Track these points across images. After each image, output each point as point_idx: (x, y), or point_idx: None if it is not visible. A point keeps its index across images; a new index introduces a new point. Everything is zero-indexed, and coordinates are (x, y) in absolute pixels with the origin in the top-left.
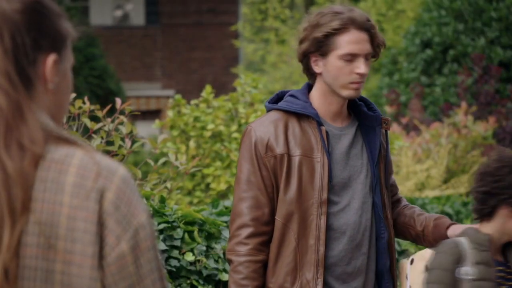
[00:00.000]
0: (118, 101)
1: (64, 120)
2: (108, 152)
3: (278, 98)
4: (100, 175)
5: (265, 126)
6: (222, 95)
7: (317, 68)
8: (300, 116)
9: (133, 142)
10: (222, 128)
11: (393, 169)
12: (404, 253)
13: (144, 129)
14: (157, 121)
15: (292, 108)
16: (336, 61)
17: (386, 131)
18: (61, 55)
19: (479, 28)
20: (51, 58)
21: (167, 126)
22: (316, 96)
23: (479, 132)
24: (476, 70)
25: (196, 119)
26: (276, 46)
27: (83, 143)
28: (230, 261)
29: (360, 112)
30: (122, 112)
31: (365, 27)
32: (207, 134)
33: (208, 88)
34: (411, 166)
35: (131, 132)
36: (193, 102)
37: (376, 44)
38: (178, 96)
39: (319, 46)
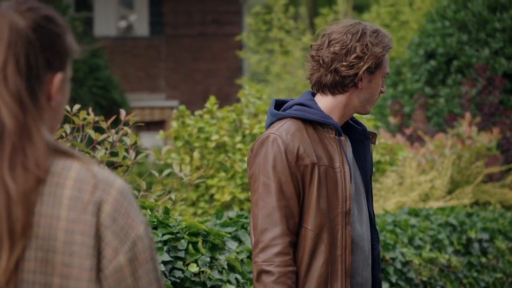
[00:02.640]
0: (122, 112)
1: (69, 131)
2: (112, 163)
3: (278, 106)
4: (97, 187)
5: (292, 134)
6: (226, 106)
7: (361, 84)
8: (315, 125)
9: (137, 153)
10: (226, 139)
11: (397, 180)
12: (408, 264)
13: (148, 140)
14: (161, 132)
15: (312, 117)
16: (379, 79)
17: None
18: (65, 73)
19: (483, 39)
20: (58, 78)
21: (171, 137)
22: (332, 108)
23: (483, 143)
24: (480, 81)
25: (200, 130)
26: (280, 57)
27: (80, 155)
28: (268, 272)
29: (347, 126)
30: (126, 123)
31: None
32: (211, 145)
33: (212, 99)
34: (415, 177)
35: (135, 143)
36: (197, 113)
37: None
38: (182, 107)
39: (377, 63)
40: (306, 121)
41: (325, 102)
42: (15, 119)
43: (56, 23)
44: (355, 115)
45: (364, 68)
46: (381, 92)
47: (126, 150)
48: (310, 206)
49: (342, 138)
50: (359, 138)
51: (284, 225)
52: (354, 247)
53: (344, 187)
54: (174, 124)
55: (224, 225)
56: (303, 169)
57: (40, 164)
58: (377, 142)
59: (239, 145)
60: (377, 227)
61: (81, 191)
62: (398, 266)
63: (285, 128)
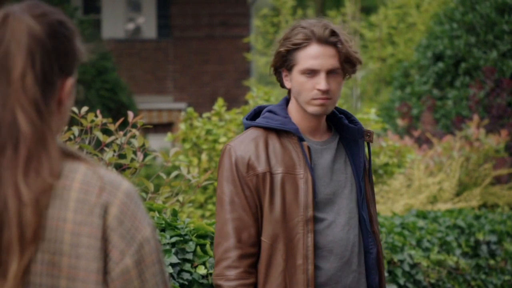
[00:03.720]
0: (130, 114)
1: (77, 133)
2: (120, 165)
3: (256, 114)
4: (104, 190)
5: (245, 145)
6: (234, 108)
7: (287, 83)
8: (279, 132)
9: (145, 155)
10: None
11: (405, 182)
12: (416, 266)
13: (156, 142)
14: (169, 134)
15: (272, 124)
16: (298, 76)
17: (369, 144)
18: (75, 77)
19: (491, 41)
20: (69, 83)
21: (179, 139)
22: (294, 111)
23: (491, 145)
24: (488, 83)
25: (208, 132)
26: None
27: (87, 158)
28: (219, 286)
29: (341, 125)
30: (134, 125)
31: (329, 41)
32: (219, 147)
33: (220, 101)
34: (423, 179)
35: (143, 145)
36: (205, 115)
37: (344, 60)
38: (190, 109)
39: (283, 61)
40: (269, 129)
41: (290, 106)
42: (33, 125)
43: (67, 27)
44: (361, 115)
45: (272, 66)
46: (318, 90)
47: (134, 152)
48: (264, 216)
49: (305, 143)
50: (353, 138)
51: (234, 237)
52: (325, 254)
53: (306, 193)
54: (182, 126)
55: None
56: (255, 179)
57: (53, 172)
58: (384, 144)
59: None
60: (376, 230)
61: (88, 193)
62: (406, 268)
63: (242, 138)
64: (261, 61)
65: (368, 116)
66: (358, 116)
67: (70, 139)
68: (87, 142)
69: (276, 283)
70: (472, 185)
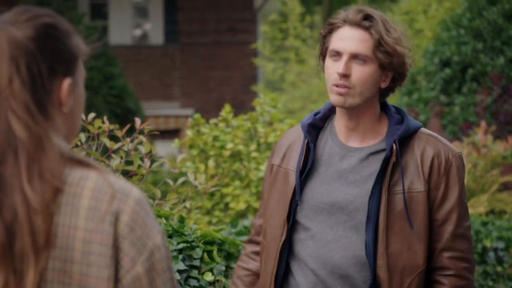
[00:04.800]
0: (137, 120)
1: (84, 139)
2: (127, 172)
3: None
4: (115, 197)
5: (282, 138)
6: (241, 114)
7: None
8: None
9: (152, 161)
10: (241, 147)
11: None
12: None
13: (163, 148)
14: (176, 141)
15: (303, 121)
16: (327, 60)
17: (395, 162)
18: (74, 76)
19: (498, 47)
20: (66, 83)
21: (186, 146)
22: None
23: (498, 152)
24: (495, 89)
25: (215, 138)
26: (295, 65)
27: (97, 165)
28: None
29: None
30: (141, 132)
31: (361, 24)
32: (226, 153)
33: (227, 107)
34: None
35: (150, 151)
36: (212, 121)
37: (376, 47)
38: (197, 115)
39: (323, 45)
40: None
41: None
42: (28, 130)
43: (57, 28)
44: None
45: (319, 56)
46: (337, 74)
47: (141, 159)
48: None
49: (307, 140)
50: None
51: (254, 226)
52: (303, 267)
53: (287, 194)
54: (189, 133)
55: (239, 233)
56: (269, 170)
57: (55, 174)
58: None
59: (254, 154)
60: (372, 261)
61: (99, 201)
62: None
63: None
64: (268, 67)
65: None
66: None
67: (77, 146)
68: (94, 148)
69: (261, 282)
70: (479, 192)
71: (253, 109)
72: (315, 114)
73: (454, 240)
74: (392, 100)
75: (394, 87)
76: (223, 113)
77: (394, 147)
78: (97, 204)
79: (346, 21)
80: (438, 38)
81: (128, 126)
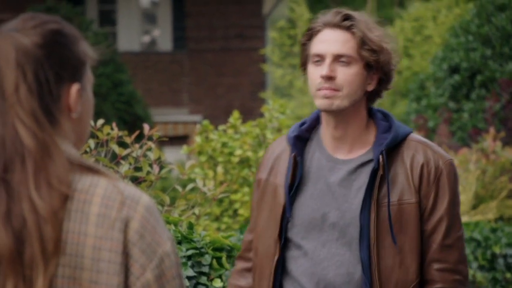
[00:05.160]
0: (146, 127)
1: (93, 146)
2: (136, 178)
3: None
4: (124, 204)
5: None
6: (250, 120)
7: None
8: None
9: (161, 168)
10: (249, 153)
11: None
12: None
13: (171, 154)
14: (184, 147)
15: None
16: (309, 67)
17: (382, 174)
18: (82, 82)
19: (507, 53)
20: (74, 89)
21: (194, 152)
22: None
23: (507, 158)
24: (504, 95)
25: (224, 144)
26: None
27: (106, 171)
28: None
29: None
30: (150, 138)
31: (341, 25)
32: (235, 159)
33: (235, 114)
34: None
35: (159, 158)
36: (220, 127)
37: (360, 45)
38: (205, 122)
39: (304, 53)
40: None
41: None
42: (35, 138)
43: (64, 34)
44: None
45: (301, 66)
46: (321, 77)
47: (150, 165)
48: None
49: (293, 154)
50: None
51: (244, 242)
52: (295, 285)
53: (277, 211)
54: (197, 139)
55: None
56: (256, 185)
57: (63, 181)
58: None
59: None
60: (369, 277)
61: (109, 207)
62: None
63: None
64: (277, 73)
65: None
66: None
67: (86, 152)
68: (103, 155)
69: None
70: (488, 198)
71: (261, 115)
72: (301, 125)
73: (442, 251)
74: (401, 106)
75: (381, 91)
76: (231, 119)
77: (381, 158)
78: (107, 210)
79: (325, 24)
80: (446, 45)
81: (137, 132)
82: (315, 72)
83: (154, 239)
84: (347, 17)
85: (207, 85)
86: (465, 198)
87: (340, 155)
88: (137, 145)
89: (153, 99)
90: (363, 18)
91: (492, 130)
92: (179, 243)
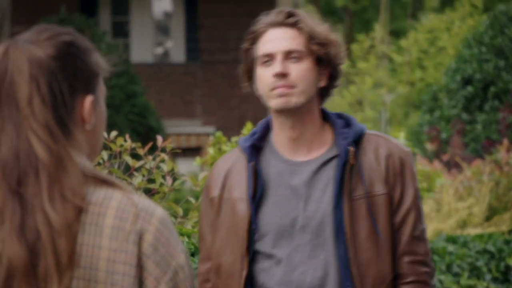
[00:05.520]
0: (159, 139)
1: (106, 157)
2: (149, 190)
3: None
4: (139, 217)
5: (217, 165)
6: None
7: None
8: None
9: (174, 179)
10: None
11: (434, 207)
12: None
13: (184, 166)
14: (197, 158)
15: (239, 143)
16: (258, 69)
17: (354, 164)
18: (96, 93)
19: None
20: (88, 100)
21: (207, 164)
22: (273, 121)
23: None
24: None
25: None
26: None
27: (120, 184)
28: None
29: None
30: (163, 150)
31: (285, 22)
32: None
33: (248, 125)
34: (452, 204)
35: (172, 169)
36: (233, 139)
37: (309, 39)
38: (218, 133)
39: (246, 62)
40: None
41: None
42: (48, 150)
43: (77, 46)
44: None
45: (244, 73)
46: (274, 76)
47: (163, 177)
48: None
49: (252, 163)
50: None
51: (200, 274)
52: None
53: (243, 224)
54: (210, 151)
55: None
56: (212, 204)
57: (77, 193)
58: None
59: None
60: (350, 272)
61: (123, 220)
62: None
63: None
64: None
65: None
66: None
67: (99, 164)
68: (116, 166)
69: None
70: (502, 210)
71: None
72: (252, 135)
73: (412, 243)
74: (414, 118)
75: (331, 87)
76: (244, 130)
77: (352, 149)
78: (121, 223)
79: (269, 24)
80: (460, 56)
81: (150, 144)
82: (266, 73)
83: (168, 251)
84: (290, 14)
85: (220, 96)
86: (479, 210)
87: (299, 157)
88: (150, 157)
89: (166, 111)
90: (306, 14)
91: (505, 141)
92: (193, 255)
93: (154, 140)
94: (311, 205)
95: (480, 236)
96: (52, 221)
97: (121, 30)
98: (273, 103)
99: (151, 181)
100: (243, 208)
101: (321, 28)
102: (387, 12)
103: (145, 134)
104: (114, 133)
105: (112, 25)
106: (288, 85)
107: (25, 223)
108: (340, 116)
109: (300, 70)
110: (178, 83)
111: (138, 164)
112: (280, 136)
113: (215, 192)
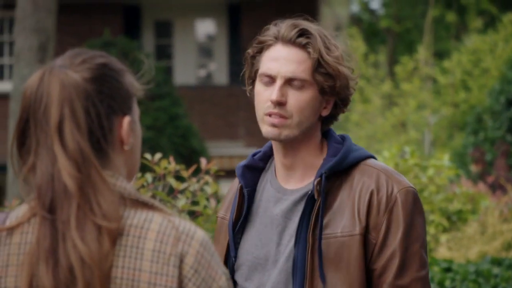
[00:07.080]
0: (203, 161)
1: (150, 180)
2: (193, 212)
3: None
4: (179, 240)
5: (230, 188)
6: None
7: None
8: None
9: (218, 201)
10: None
11: (479, 229)
12: None
13: (227, 188)
14: None
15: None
16: (257, 85)
17: (318, 199)
18: (132, 114)
19: None
20: (126, 121)
21: None
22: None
23: None
24: None
25: None
26: (360, 105)
27: (161, 206)
28: None
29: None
30: (207, 172)
31: (296, 42)
32: None
33: None
34: (497, 226)
35: (216, 192)
36: None
37: (315, 68)
38: None
39: (251, 66)
40: None
41: None
42: (74, 179)
43: (112, 68)
44: (434, 161)
45: (246, 79)
46: (271, 102)
47: (207, 199)
48: None
49: (240, 185)
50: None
51: None
52: None
53: (221, 253)
54: None
55: None
56: (218, 224)
57: (111, 218)
58: (458, 191)
59: None
60: None
61: (163, 243)
62: None
63: None
64: None
65: (441, 162)
66: (431, 163)
67: (143, 186)
68: (160, 189)
69: None
70: None
71: None
72: (254, 155)
73: None
74: (458, 140)
75: (337, 114)
76: None
77: (316, 182)
78: (161, 246)
79: (278, 38)
80: (503, 77)
81: (194, 167)
82: (264, 94)
83: (209, 274)
84: (303, 32)
85: None
86: None
87: (290, 185)
88: (194, 179)
89: (209, 133)
90: (321, 33)
91: None
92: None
93: (197, 162)
94: (285, 238)
95: None
96: (81, 251)
97: (164, 52)
98: (264, 129)
99: (195, 203)
100: (228, 232)
101: (333, 55)
102: (430, 33)
103: (188, 156)
104: (158, 156)
105: (155, 48)
106: (282, 115)
107: (56, 251)
108: (344, 140)
109: (299, 100)
110: (221, 105)
111: (182, 186)
112: (276, 161)
113: (221, 212)
